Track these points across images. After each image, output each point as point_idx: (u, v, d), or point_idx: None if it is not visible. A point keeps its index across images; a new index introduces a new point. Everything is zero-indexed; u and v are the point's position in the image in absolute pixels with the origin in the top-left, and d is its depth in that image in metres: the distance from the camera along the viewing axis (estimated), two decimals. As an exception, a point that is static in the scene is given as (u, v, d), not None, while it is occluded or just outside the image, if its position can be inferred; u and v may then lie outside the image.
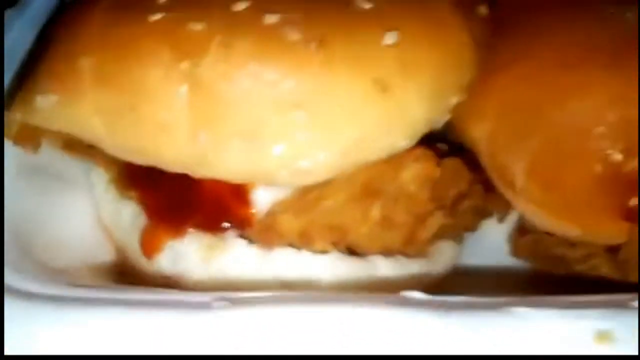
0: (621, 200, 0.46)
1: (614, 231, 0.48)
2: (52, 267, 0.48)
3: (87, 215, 0.55)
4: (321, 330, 0.37)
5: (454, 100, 0.47)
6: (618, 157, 0.45)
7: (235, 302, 0.38)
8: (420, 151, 0.50)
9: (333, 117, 0.41)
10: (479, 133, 0.52)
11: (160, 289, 0.43)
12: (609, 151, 0.45)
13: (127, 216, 0.53)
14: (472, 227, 0.58)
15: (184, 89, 0.40)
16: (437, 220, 0.52)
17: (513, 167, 0.51)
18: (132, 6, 0.41)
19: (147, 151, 0.43)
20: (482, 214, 0.57)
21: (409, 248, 0.52)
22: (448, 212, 0.53)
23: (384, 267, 0.51)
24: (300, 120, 0.41)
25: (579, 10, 0.52)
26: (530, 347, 0.37)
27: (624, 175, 0.45)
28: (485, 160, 0.53)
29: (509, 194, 0.52)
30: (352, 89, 0.41)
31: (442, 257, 0.56)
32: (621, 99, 0.46)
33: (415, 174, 0.50)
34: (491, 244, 0.59)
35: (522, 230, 0.56)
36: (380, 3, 0.43)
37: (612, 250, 0.51)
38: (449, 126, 0.52)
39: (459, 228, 0.57)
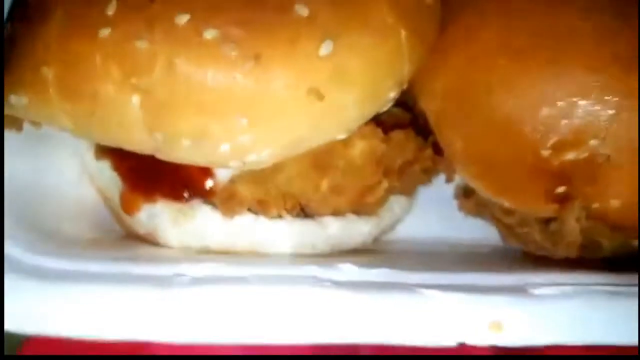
0: (550, 188, 0.51)
1: (545, 210, 0.53)
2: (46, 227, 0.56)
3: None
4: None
5: (391, 94, 0.50)
6: (547, 152, 0.49)
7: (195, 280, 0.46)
8: (367, 129, 0.54)
9: (272, 124, 0.46)
10: (428, 108, 0.56)
11: (129, 254, 0.51)
12: (540, 145, 0.49)
13: (107, 173, 0.59)
14: (424, 182, 0.63)
15: (136, 99, 0.44)
16: (383, 186, 0.58)
17: (456, 144, 0.55)
18: (83, 18, 0.44)
19: (111, 142, 0.49)
20: (433, 172, 0.62)
21: (358, 209, 0.59)
22: (395, 177, 0.59)
23: (334, 227, 0.58)
24: (242, 126, 0.45)
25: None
26: (433, 332, 0.44)
27: (553, 168, 0.49)
28: (434, 130, 0.57)
29: (452, 164, 0.57)
30: (288, 99, 0.45)
31: (391, 214, 0.62)
32: (554, 95, 0.48)
33: (362, 149, 0.55)
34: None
35: (467, 191, 0.61)
36: (316, 9, 0.45)
37: (545, 221, 0.56)
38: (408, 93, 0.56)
39: (409, 186, 0.63)
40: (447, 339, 0.44)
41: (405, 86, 0.51)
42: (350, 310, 0.45)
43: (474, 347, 0.44)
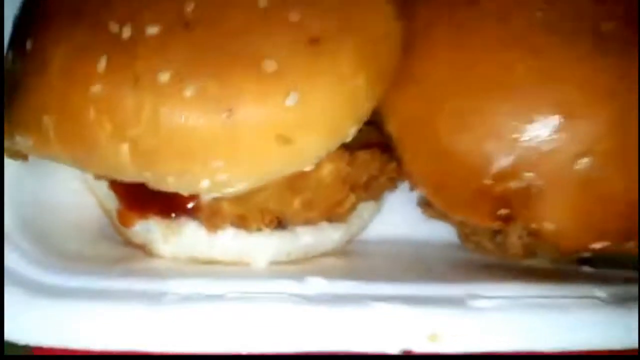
0: (493, 210, 0.57)
1: (491, 225, 0.60)
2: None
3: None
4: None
5: (353, 129, 0.56)
6: (489, 181, 0.56)
7: (180, 299, 0.54)
8: (335, 153, 0.61)
9: (246, 165, 0.52)
10: (390, 131, 0.62)
11: (123, 269, 0.59)
12: (483, 175, 0.56)
13: (105, 190, 0.66)
14: (390, 189, 0.70)
15: (125, 147, 0.51)
16: (350, 200, 0.65)
17: (411, 166, 0.61)
18: (78, 73, 0.50)
19: (107, 176, 0.56)
20: (398, 180, 0.69)
21: (329, 218, 0.66)
22: (362, 190, 0.66)
23: (308, 236, 0.65)
24: (219, 167, 0.52)
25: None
26: (379, 340, 0.52)
27: (495, 193, 0.56)
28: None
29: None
30: (259, 145, 0.51)
31: (360, 219, 0.69)
32: (497, 131, 0.55)
33: (330, 171, 0.61)
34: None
35: (427, 202, 0.68)
36: (284, 62, 0.51)
37: (494, 231, 0.63)
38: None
39: (376, 193, 0.70)
40: (391, 348, 0.51)
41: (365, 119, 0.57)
42: (312, 322, 0.53)
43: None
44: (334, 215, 0.66)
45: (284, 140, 0.51)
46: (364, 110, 0.55)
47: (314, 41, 0.51)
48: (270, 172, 0.54)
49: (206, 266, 0.62)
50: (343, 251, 0.69)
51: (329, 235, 0.67)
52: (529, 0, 0.56)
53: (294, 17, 0.51)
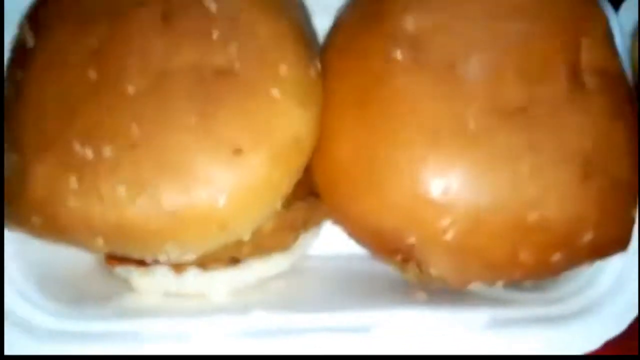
0: (392, 255, 0.72)
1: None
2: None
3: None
4: None
5: (279, 204, 0.70)
6: (381, 239, 0.70)
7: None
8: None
9: (193, 245, 0.67)
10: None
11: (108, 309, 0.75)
12: (377, 236, 0.70)
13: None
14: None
15: (100, 239, 0.65)
16: (293, 237, 0.80)
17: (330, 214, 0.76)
18: (57, 189, 0.63)
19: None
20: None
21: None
22: (302, 227, 0.81)
23: (258, 267, 0.81)
24: (172, 248, 0.67)
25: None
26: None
27: (390, 247, 0.70)
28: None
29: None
30: (201, 232, 0.65)
31: (304, 242, 0.84)
32: (385, 206, 0.68)
33: (270, 227, 0.76)
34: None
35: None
36: (214, 171, 0.63)
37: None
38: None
39: (317, 222, 0.84)
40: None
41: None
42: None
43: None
44: (280, 247, 0.81)
45: (222, 227, 0.65)
46: (287, 190, 0.69)
47: (237, 152, 0.63)
48: (216, 245, 0.68)
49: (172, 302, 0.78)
50: (291, 271, 0.85)
51: (277, 262, 0.82)
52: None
53: (221, 131, 0.63)
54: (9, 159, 0.66)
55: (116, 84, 0.64)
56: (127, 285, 0.81)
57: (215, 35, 0.65)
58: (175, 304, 0.78)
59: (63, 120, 0.64)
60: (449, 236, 0.65)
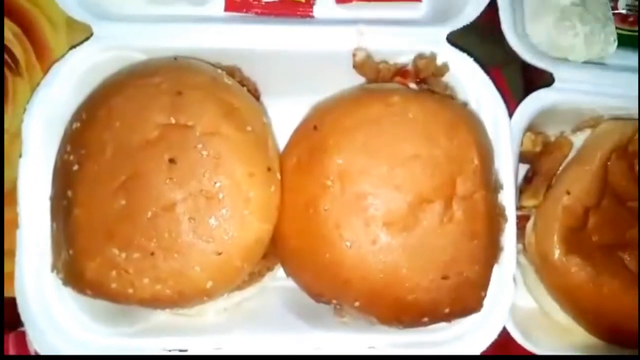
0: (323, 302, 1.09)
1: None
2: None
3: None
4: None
5: (247, 276, 1.05)
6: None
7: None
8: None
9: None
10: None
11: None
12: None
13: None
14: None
15: (134, 304, 1.02)
16: (259, 277, 1.17)
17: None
18: (104, 283, 0.99)
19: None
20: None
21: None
22: (267, 271, 1.17)
23: (237, 294, 1.18)
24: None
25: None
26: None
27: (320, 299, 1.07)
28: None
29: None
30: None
31: (266, 278, 1.21)
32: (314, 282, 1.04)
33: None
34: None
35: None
36: (205, 265, 0.99)
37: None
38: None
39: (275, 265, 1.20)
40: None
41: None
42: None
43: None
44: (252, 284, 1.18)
45: (208, 296, 1.01)
46: (254, 267, 1.04)
47: (218, 253, 0.98)
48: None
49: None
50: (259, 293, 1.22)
51: (250, 289, 1.20)
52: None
53: (207, 241, 0.97)
54: (66, 250, 0.99)
55: (139, 209, 0.96)
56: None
57: (206, 175, 0.96)
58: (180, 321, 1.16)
59: (104, 233, 0.96)
60: (356, 304, 1.02)
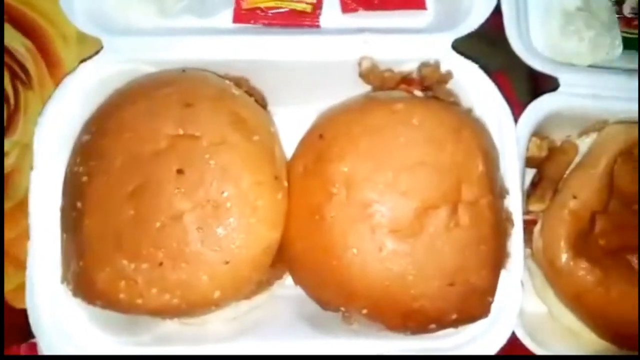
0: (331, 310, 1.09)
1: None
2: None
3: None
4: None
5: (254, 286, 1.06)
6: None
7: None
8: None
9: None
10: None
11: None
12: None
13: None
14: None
15: (143, 314, 1.02)
16: (267, 286, 1.17)
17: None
18: (113, 290, 1.00)
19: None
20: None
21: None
22: (275, 279, 1.18)
23: (245, 304, 1.19)
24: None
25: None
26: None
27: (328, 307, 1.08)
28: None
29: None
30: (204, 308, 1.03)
31: (275, 286, 1.22)
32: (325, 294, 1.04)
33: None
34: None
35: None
36: (212, 274, 1.00)
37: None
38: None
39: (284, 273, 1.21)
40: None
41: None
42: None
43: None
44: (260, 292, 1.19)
45: (216, 306, 1.02)
46: (262, 277, 1.05)
47: (226, 262, 0.99)
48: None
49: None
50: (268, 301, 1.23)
51: (258, 298, 1.21)
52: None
53: (216, 250, 0.98)
54: (76, 261, 1.01)
55: (148, 219, 0.97)
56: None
57: (214, 184, 0.97)
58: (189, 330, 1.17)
59: (114, 243, 0.97)
60: (364, 311, 1.02)
